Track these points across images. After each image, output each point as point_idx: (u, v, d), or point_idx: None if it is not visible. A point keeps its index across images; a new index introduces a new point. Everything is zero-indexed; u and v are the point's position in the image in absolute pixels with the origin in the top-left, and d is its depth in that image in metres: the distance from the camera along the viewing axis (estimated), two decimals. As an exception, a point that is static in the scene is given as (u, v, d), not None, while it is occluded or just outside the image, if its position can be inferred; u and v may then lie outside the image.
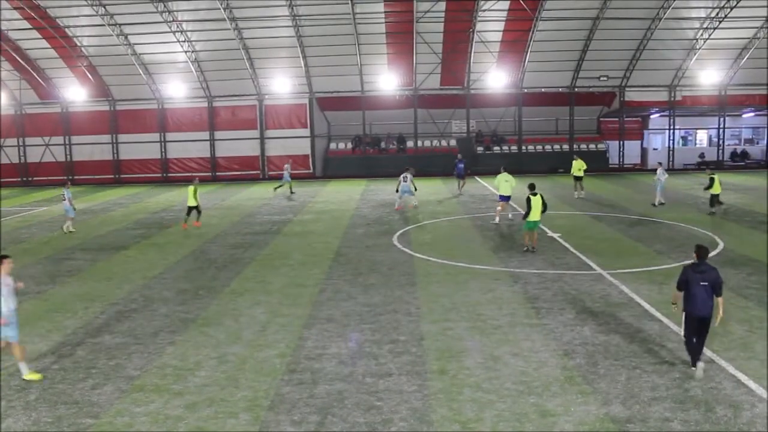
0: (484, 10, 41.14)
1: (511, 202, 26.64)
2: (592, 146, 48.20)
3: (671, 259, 18.72)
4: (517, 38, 43.61)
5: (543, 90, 47.42)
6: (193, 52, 44.00)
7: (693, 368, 10.62)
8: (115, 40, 42.23)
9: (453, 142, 48.62)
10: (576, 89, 47.58)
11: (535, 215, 19.81)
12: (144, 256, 21.18)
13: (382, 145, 48.27)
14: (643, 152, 49.99)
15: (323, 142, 49.03)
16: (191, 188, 26.46)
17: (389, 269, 18.35)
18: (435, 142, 48.86)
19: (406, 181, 29.74)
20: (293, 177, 38.15)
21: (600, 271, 17.53)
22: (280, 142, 47.42)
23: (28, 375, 11.02)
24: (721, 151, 49.49)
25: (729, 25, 42.31)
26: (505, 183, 25.97)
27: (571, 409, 9.46)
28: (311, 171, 47.61)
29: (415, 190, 30.10)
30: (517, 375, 10.72)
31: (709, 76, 46.11)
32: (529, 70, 45.80)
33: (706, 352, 11.34)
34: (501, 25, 42.92)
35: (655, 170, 30.46)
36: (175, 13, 40.91)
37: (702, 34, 43.56)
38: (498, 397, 9.93)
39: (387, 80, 45.51)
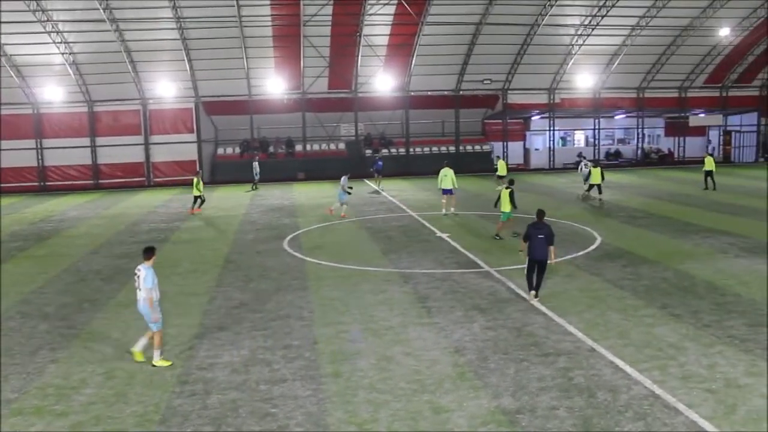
0: (371, 14, 41.52)
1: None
2: (477, 147, 49.65)
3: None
4: (403, 42, 44.32)
5: (429, 93, 48.43)
6: (70, 54, 41.87)
7: (531, 292, 14.77)
8: (-18, 41, 39.71)
9: (342, 146, 48.84)
10: (461, 92, 48.90)
11: (503, 206, 22.45)
12: (21, 270, 20.03)
13: (271, 149, 47.76)
14: (526, 153, 51.98)
15: (210, 147, 48.00)
16: (195, 179, 31.06)
17: (280, 274, 18.25)
18: (324, 146, 48.83)
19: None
20: (185, 182, 37.48)
21: (487, 269, 18.10)
22: (165, 148, 45.99)
23: (159, 362, 11.63)
24: (597, 151, 52.23)
25: (601, 32, 44.79)
26: (444, 177, 27.61)
27: (463, 405, 9.74)
28: (199, 176, 46.49)
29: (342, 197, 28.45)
30: (411, 374, 10.92)
31: (584, 80, 48.56)
32: (416, 74, 46.64)
33: (587, 341, 12.10)
34: (387, 29, 43.46)
35: (578, 165, 33.39)
36: (49, 12, 38.83)
37: (577, 41, 45.81)
38: (392, 396, 10.09)
39: (274, 84, 45.10)
